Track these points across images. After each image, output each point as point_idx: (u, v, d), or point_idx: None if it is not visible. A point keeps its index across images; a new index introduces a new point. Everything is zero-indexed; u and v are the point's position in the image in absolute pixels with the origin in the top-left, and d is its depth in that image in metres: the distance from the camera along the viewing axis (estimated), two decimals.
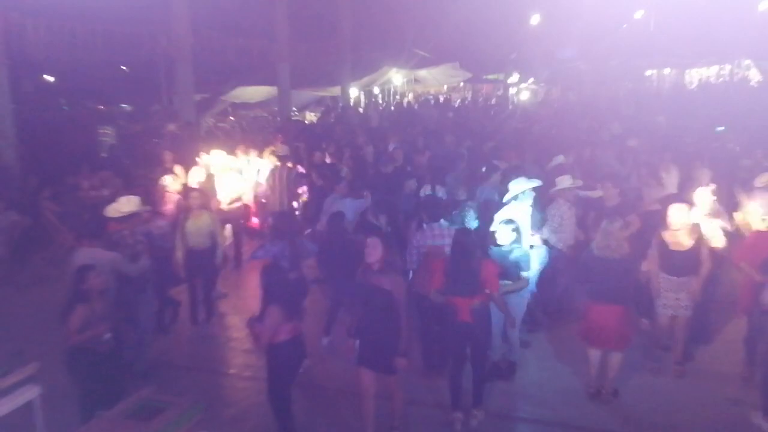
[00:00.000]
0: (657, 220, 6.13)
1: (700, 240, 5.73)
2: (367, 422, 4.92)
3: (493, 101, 24.99)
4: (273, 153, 10.35)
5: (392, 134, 12.05)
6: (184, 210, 7.25)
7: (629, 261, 5.41)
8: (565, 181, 6.94)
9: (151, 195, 7.95)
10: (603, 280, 5.33)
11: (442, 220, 6.11)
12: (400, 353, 4.71)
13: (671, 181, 8.71)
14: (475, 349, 5.14)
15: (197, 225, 6.97)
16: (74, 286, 4.82)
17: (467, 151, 10.51)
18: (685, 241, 5.70)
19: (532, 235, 6.49)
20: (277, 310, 4.62)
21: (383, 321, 4.68)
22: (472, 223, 6.16)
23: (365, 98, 24.27)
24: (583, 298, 5.60)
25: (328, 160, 10.23)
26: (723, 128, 10.98)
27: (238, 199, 9.01)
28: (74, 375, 4.80)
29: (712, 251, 5.88)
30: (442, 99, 26.21)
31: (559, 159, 8.69)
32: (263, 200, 9.99)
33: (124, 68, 20.60)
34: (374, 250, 4.70)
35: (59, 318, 4.82)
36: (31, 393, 4.73)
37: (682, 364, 5.98)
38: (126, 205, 6.30)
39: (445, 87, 28.09)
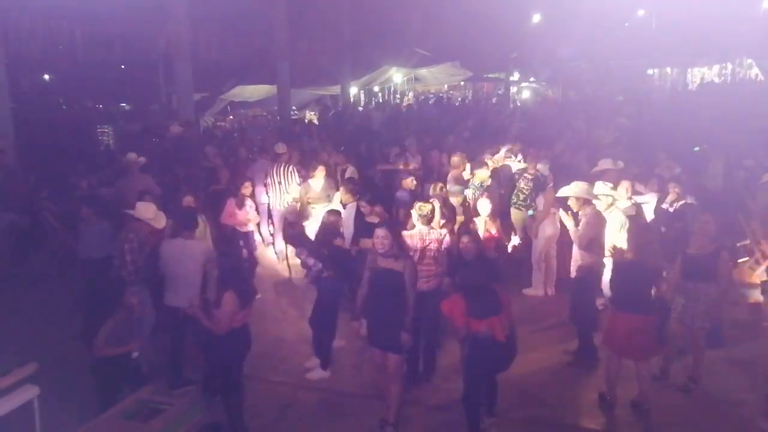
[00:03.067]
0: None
1: (721, 247, 5.47)
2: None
3: (494, 100, 24.95)
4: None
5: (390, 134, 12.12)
6: None
7: (655, 266, 5.18)
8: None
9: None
10: (629, 288, 5.11)
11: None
12: (406, 329, 4.79)
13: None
14: (502, 366, 4.88)
15: None
16: (112, 298, 4.91)
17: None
18: (705, 245, 5.47)
19: None
20: (233, 297, 4.71)
21: (392, 300, 4.77)
22: None
23: (365, 97, 24.23)
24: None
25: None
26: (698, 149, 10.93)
27: None
28: (100, 383, 4.88)
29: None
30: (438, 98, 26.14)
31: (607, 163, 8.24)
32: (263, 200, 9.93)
33: (123, 67, 20.59)
34: (385, 240, 4.76)
35: (87, 332, 4.97)
36: (29, 393, 4.69)
37: (696, 381, 5.65)
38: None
39: (446, 86, 28.04)
